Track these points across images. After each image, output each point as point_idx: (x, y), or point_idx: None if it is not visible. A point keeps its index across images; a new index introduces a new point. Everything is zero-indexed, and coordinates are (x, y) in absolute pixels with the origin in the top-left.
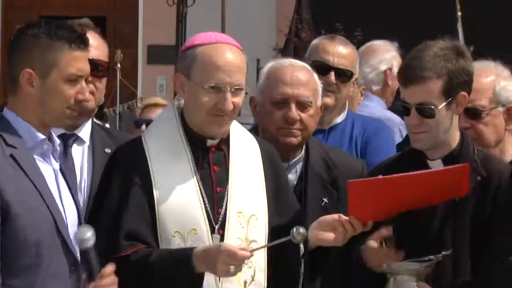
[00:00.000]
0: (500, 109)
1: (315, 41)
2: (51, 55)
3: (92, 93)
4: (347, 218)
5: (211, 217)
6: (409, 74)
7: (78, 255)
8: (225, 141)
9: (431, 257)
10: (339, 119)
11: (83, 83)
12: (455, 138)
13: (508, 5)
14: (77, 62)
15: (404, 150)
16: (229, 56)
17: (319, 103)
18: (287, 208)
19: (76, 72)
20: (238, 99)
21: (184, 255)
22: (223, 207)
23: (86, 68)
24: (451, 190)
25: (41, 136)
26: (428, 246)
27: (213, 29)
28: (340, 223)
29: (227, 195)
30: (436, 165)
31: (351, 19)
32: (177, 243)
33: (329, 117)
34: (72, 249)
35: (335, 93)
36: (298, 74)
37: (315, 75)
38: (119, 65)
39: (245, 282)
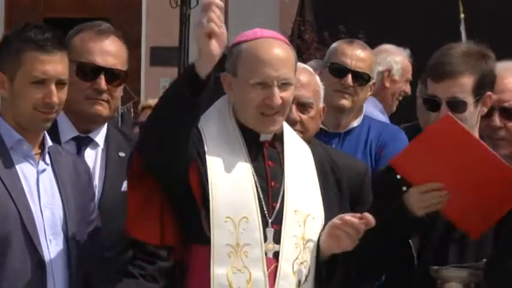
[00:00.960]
0: None
1: (334, 44)
2: (17, 58)
3: (107, 101)
4: (347, 219)
5: (264, 209)
6: (442, 69)
7: (46, 254)
8: (279, 138)
9: (480, 263)
10: (355, 123)
11: (52, 86)
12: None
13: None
14: (42, 64)
15: None
16: (274, 49)
17: (320, 105)
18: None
19: (40, 75)
20: (287, 94)
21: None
22: (279, 202)
23: (53, 70)
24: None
25: (18, 137)
26: (471, 252)
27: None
28: (337, 229)
29: (283, 191)
30: None
31: (354, 21)
32: (228, 228)
33: (346, 121)
34: (38, 247)
35: (352, 95)
36: (299, 75)
37: (317, 77)
38: None
39: (299, 282)
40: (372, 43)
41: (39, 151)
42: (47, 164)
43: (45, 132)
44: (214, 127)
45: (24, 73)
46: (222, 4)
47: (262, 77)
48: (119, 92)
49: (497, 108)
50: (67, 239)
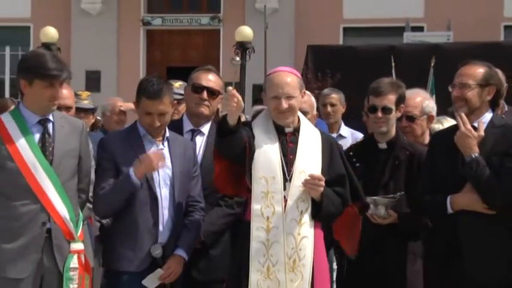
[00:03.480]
0: (425, 117)
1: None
2: (139, 100)
3: (208, 106)
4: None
5: (285, 172)
6: (378, 90)
7: (158, 193)
8: (297, 130)
9: (394, 195)
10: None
11: (155, 116)
12: (393, 131)
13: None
14: (149, 107)
15: (365, 137)
16: (282, 77)
17: (314, 112)
18: (334, 175)
19: (148, 111)
20: (292, 102)
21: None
22: (293, 167)
23: (156, 109)
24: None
25: (144, 131)
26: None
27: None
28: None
29: (295, 160)
30: (383, 146)
31: (335, 67)
32: (262, 183)
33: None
34: (154, 190)
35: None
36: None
37: (312, 97)
38: None
39: (301, 212)
40: (344, 82)
41: (161, 138)
42: (164, 146)
43: (167, 127)
44: (260, 124)
45: (141, 107)
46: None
47: (274, 94)
48: (216, 102)
49: (404, 115)
50: (173, 186)
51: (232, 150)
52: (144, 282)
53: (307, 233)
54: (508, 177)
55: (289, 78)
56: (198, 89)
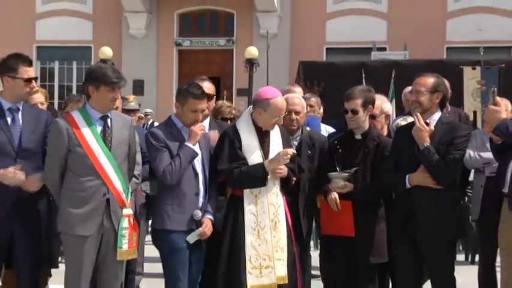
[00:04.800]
0: (383, 115)
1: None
2: (184, 98)
3: (207, 107)
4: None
5: (263, 158)
6: (347, 96)
7: (197, 169)
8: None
9: (349, 170)
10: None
11: (199, 114)
12: (366, 125)
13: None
14: (195, 105)
15: (346, 130)
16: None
17: (305, 111)
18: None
19: (194, 108)
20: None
21: (259, 164)
22: (269, 156)
23: (201, 107)
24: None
25: (181, 124)
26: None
27: None
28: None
29: (269, 152)
30: (358, 137)
31: (321, 78)
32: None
33: None
34: (195, 169)
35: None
36: (298, 100)
37: (303, 101)
38: None
39: (276, 187)
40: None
41: None
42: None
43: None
44: (244, 127)
45: (187, 106)
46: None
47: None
48: (211, 103)
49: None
50: (203, 165)
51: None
52: (188, 238)
53: (280, 202)
54: (452, 162)
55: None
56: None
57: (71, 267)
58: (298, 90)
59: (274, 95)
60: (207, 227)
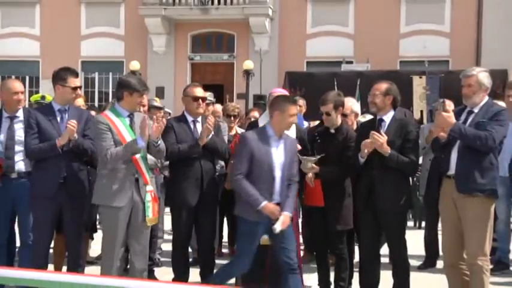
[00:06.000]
0: (353, 114)
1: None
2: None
3: (202, 108)
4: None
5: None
6: (321, 101)
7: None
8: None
9: (316, 156)
10: None
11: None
12: (338, 122)
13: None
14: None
15: (323, 126)
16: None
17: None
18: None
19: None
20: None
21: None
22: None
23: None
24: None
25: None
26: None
27: None
28: None
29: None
30: (332, 130)
31: (302, 84)
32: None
33: None
34: (273, 174)
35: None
36: None
37: None
38: None
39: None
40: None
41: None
42: (280, 143)
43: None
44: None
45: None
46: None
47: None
48: (204, 104)
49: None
50: (283, 169)
51: None
52: (275, 226)
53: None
54: (412, 153)
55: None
56: (196, 99)
57: (107, 232)
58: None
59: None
60: (283, 222)
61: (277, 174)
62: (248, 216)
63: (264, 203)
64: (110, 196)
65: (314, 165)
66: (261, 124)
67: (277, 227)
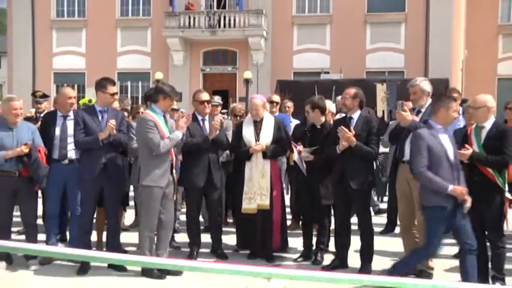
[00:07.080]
0: (330, 113)
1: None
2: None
3: (208, 109)
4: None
5: (256, 140)
6: (306, 103)
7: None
8: (262, 120)
9: (312, 148)
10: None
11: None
12: (322, 119)
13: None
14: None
15: (311, 123)
16: (256, 101)
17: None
18: (277, 138)
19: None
20: (257, 112)
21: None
22: (260, 139)
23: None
24: None
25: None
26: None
27: None
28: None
29: (260, 135)
30: (318, 126)
31: (290, 89)
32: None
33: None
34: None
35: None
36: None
37: (267, 103)
38: None
39: (265, 154)
40: (295, 96)
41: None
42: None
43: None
44: (246, 121)
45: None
46: None
47: (252, 111)
48: (209, 105)
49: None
50: (454, 156)
51: None
52: (466, 205)
53: (265, 162)
54: (375, 145)
55: (260, 101)
56: (203, 102)
57: (148, 207)
58: (276, 97)
59: (255, 97)
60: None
61: (452, 160)
62: (436, 202)
63: (452, 186)
64: (155, 179)
65: (309, 154)
66: (245, 125)
67: (467, 207)
